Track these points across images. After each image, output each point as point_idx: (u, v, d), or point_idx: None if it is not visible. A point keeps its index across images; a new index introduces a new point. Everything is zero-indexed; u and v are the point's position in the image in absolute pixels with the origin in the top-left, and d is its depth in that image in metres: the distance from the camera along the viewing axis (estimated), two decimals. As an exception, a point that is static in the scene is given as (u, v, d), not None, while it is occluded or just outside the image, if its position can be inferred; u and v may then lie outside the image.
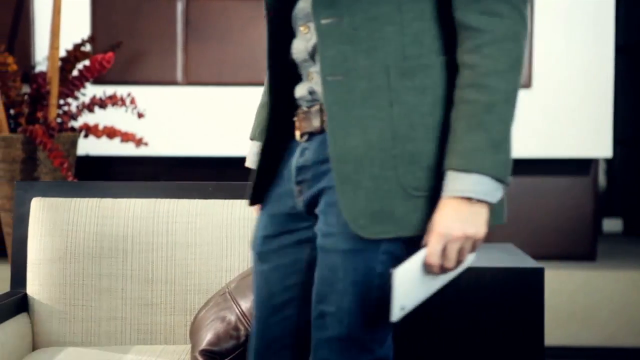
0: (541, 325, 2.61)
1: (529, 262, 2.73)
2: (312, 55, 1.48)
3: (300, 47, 1.50)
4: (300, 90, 1.52)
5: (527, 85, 4.12)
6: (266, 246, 1.55)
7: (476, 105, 1.36)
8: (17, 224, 2.23)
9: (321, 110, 1.48)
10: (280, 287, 1.55)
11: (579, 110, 4.11)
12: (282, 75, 1.53)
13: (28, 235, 2.22)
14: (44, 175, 3.49)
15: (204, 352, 1.88)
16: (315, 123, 1.49)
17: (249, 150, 1.71)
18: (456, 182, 1.36)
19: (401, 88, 1.39)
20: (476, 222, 1.38)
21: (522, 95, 4.10)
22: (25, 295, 2.21)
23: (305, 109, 1.51)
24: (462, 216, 1.36)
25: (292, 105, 1.54)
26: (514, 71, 1.38)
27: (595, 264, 4.24)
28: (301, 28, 1.49)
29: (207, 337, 1.90)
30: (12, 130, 3.55)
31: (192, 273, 2.19)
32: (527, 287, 2.62)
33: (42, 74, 3.67)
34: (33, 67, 4.01)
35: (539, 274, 2.61)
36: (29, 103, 3.59)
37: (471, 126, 1.36)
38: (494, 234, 4.24)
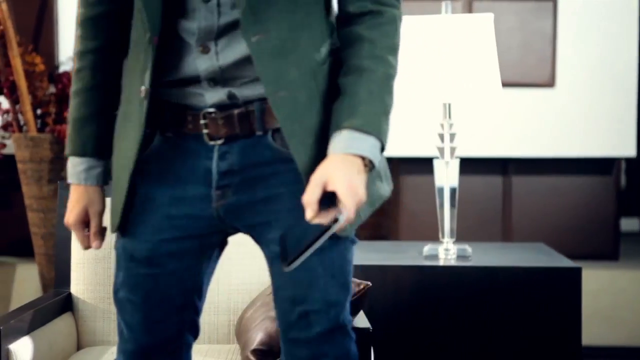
0: (578, 324, 2.61)
1: (564, 262, 2.73)
2: (223, 71, 1.48)
3: (205, 66, 1.48)
4: (213, 96, 1.50)
5: (551, 84, 4.12)
6: (162, 249, 1.52)
7: (376, 75, 1.46)
8: (60, 224, 2.23)
9: (247, 115, 1.48)
10: (180, 290, 1.54)
11: (602, 109, 4.12)
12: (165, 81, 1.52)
13: (71, 235, 2.22)
14: (71, 175, 3.50)
15: (256, 352, 1.88)
16: (242, 128, 1.49)
17: (75, 169, 1.59)
18: (354, 141, 1.42)
19: (328, 91, 1.49)
20: (364, 183, 1.42)
21: (545, 94, 4.11)
22: (70, 294, 2.21)
23: (222, 113, 1.49)
24: (355, 171, 1.41)
25: (179, 108, 1.53)
26: (399, 52, 1.52)
27: (617, 263, 4.24)
28: (200, 48, 1.48)
29: (258, 337, 1.90)
30: (40, 130, 3.56)
31: (236, 273, 2.19)
32: (564, 286, 2.63)
33: (67, 74, 3.67)
34: (57, 67, 4.02)
35: (576, 273, 2.62)
36: (56, 103, 3.60)
37: (372, 93, 1.45)
38: (515, 233, 4.24)
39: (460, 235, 3.76)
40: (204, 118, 1.49)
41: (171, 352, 1.57)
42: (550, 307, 2.63)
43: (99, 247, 1.59)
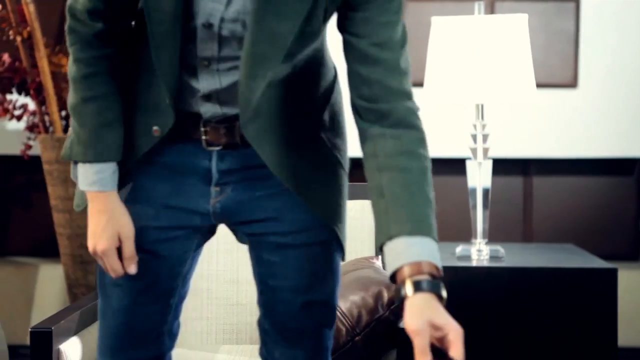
0: (614, 325, 2.61)
1: (599, 263, 2.73)
2: (226, 88, 1.52)
3: (208, 83, 1.52)
4: (208, 109, 1.53)
5: (573, 85, 4.12)
6: (155, 236, 1.56)
7: (412, 173, 1.44)
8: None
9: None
10: (168, 276, 1.58)
11: (624, 110, 4.12)
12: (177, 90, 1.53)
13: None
14: (97, 175, 3.51)
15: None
16: (237, 139, 1.53)
17: (99, 175, 1.54)
18: (414, 247, 1.38)
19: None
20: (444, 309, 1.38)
21: (568, 95, 4.11)
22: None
23: (223, 124, 1.54)
24: (437, 305, 1.36)
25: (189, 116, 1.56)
26: (426, 140, 1.51)
27: (638, 263, 4.24)
28: (204, 62, 1.50)
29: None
30: (65, 131, 3.57)
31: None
32: (599, 287, 2.62)
33: (90, 75, 3.67)
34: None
35: (611, 274, 2.62)
36: (81, 104, 3.60)
37: (414, 193, 1.42)
38: (536, 233, 4.24)
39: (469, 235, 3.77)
40: (204, 126, 1.53)
41: (155, 338, 1.60)
42: (586, 308, 2.63)
43: (136, 270, 1.53)
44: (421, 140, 1.48)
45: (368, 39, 1.45)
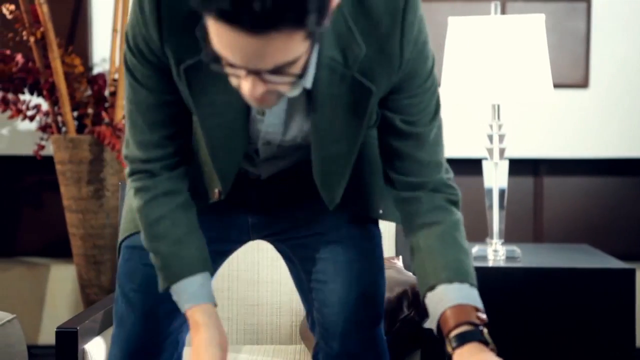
0: (632, 326, 2.61)
1: (615, 263, 2.73)
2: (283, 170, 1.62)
3: (267, 170, 1.61)
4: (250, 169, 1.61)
5: (584, 85, 4.12)
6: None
7: (444, 224, 1.50)
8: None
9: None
10: None
11: (635, 110, 4.12)
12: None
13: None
14: (110, 176, 3.51)
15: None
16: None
17: (186, 294, 1.49)
18: (460, 292, 1.44)
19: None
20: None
21: (579, 95, 4.10)
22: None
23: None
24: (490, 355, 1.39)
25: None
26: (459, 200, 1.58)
27: (651, 264, 4.24)
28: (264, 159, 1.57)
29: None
30: (78, 131, 3.57)
31: (298, 274, 2.19)
32: (617, 288, 2.62)
33: (102, 76, 3.68)
34: (91, 69, 4.02)
35: (629, 274, 2.62)
36: (94, 104, 3.61)
37: (447, 242, 1.48)
38: (546, 234, 4.24)
39: (485, 235, 3.76)
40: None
41: (170, 343, 1.62)
42: (603, 308, 2.63)
43: None
44: (452, 201, 1.51)
45: (401, 115, 1.46)
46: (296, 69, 1.24)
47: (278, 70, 1.21)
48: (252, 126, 1.46)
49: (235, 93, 1.32)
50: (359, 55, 1.36)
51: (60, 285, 3.96)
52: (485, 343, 1.36)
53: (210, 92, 1.40)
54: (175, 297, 1.49)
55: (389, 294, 1.89)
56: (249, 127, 1.46)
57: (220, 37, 1.18)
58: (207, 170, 1.56)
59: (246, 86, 1.24)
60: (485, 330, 1.37)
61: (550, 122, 4.13)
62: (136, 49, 1.41)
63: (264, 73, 1.21)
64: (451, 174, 1.53)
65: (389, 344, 1.63)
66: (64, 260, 4.02)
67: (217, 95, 1.40)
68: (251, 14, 1.12)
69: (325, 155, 1.46)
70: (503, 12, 4.08)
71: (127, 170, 1.55)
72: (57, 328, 1.83)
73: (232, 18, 1.13)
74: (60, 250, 4.11)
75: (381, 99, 1.45)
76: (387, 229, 2.24)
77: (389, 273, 2.00)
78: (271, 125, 1.45)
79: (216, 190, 1.56)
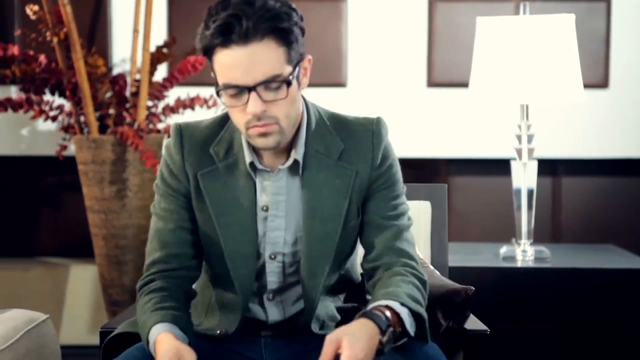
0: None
1: (644, 263, 2.73)
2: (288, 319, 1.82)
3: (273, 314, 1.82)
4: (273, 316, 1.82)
5: (604, 85, 4.12)
6: None
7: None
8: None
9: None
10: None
11: (655, 110, 4.12)
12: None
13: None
14: (132, 176, 3.51)
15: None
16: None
17: (157, 328, 1.70)
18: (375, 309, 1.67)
19: None
20: (371, 349, 1.60)
21: (599, 95, 4.10)
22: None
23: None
24: (366, 336, 1.60)
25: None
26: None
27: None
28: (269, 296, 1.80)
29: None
30: (100, 131, 3.57)
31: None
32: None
33: (122, 76, 3.68)
34: (111, 69, 4.02)
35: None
36: (116, 105, 3.61)
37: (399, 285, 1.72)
38: (564, 234, 4.24)
39: (507, 235, 3.76)
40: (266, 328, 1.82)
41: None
42: (634, 308, 2.63)
43: None
44: (414, 284, 1.68)
45: (380, 213, 1.74)
46: (283, 93, 1.62)
47: (268, 84, 1.61)
48: (259, 227, 1.74)
49: (244, 193, 1.72)
50: (339, 149, 1.73)
51: (80, 286, 3.96)
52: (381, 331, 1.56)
53: (222, 193, 1.73)
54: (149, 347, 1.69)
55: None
56: (257, 227, 1.74)
57: (222, 64, 1.62)
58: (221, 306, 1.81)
59: (249, 107, 1.61)
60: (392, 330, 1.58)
61: (569, 122, 4.13)
62: (161, 182, 1.78)
63: (258, 89, 1.61)
64: (422, 273, 1.73)
65: (441, 345, 1.63)
66: (83, 261, 4.03)
67: (228, 195, 1.73)
68: (238, 31, 1.59)
69: (313, 235, 1.71)
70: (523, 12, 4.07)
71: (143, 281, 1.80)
72: (101, 328, 1.83)
73: (226, 40, 1.60)
74: (79, 250, 4.11)
75: (364, 204, 1.74)
76: (424, 229, 2.24)
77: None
78: (274, 218, 1.73)
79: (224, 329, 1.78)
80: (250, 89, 1.62)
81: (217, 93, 1.66)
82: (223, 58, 1.62)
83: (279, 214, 1.75)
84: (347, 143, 1.75)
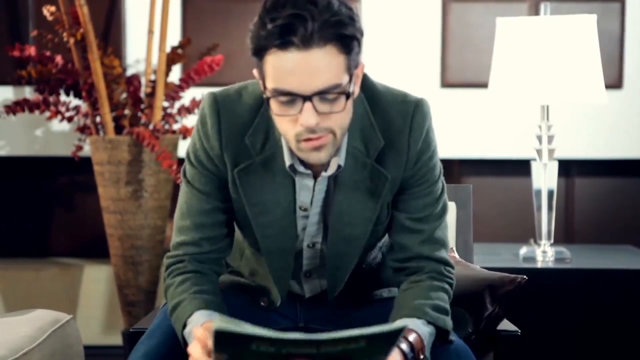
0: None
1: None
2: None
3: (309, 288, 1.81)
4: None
5: (618, 86, 4.12)
6: None
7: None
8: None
9: None
10: None
11: (669, 111, 4.12)
12: None
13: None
14: (148, 177, 3.51)
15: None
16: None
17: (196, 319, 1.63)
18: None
19: None
20: None
21: (613, 95, 4.10)
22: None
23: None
24: None
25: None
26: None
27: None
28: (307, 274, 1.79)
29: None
30: (116, 132, 3.57)
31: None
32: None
33: (137, 77, 3.68)
34: (125, 70, 4.02)
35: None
36: (132, 105, 3.61)
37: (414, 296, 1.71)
38: (578, 234, 4.24)
39: (523, 236, 3.76)
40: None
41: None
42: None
43: None
44: (443, 289, 1.65)
45: (409, 214, 1.67)
46: (340, 105, 1.49)
47: (325, 95, 1.48)
48: (299, 223, 1.68)
49: (282, 192, 1.64)
50: (378, 147, 1.62)
51: (94, 286, 3.96)
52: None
53: (259, 192, 1.64)
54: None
55: (470, 289, 1.88)
56: (297, 224, 1.67)
57: (277, 67, 1.47)
58: (258, 278, 1.78)
59: (303, 118, 1.48)
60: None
61: (582, 122, 4.13)
62: (197, 161, 1.66)
63: (314, 99, 1.47)
64: (449, 273, 1.69)
65: (475, 345, 1.63)
66: (97, 261, 4.03)
67: (266, 195, 1.64)
68: (300, 34, 1.44)
69: (340, 236, 1.66)
70: (536, 12, 4.08)
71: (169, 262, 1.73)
72: (132, 329, 1.83)
73: (286, 42, 1.45)
74: (94, 251, 4.12)
75: (395, 201, 1.67)
76: (451, 228, 2.23)
77: (458, 270, 1.99)
78: (314, 215, 1.67)
79: (265, 299, 1.77)
80: (305, 98, 1.48)
81: (267, 99, 1.52)
82: (279, 61, 1.47)
83: (318, 210, 1.68)
84: (386, 137, 1.63)
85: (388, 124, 1.63)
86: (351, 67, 1.51)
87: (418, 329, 1.57)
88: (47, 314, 2.20)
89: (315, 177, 1.64)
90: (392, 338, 1.37)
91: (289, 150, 1.61)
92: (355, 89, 1.56)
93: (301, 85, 1.48)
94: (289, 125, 1.52)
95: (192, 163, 1.67)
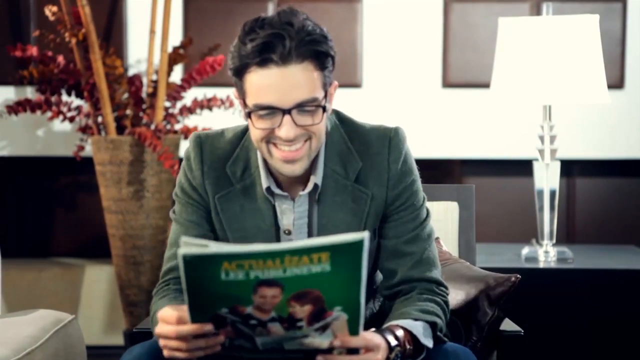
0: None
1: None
2: None
3: None
4: None
5: (620, 86, 4.12)
6: None
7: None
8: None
9: None
10: None
11: (670, 111, 4.12)
12: None
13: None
14: (150, 177, 3.51)
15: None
16: None
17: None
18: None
19: None
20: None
21: (614, 96, 4.10)
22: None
23: None
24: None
25: None
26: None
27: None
28: None
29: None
30: (117, 132, 3.57)
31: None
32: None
33: (138, 77, 3.68)
34: (126, 70, 4.02)
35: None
36: (133, 106, 3.61)
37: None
38: (579, 235, 4.24)
39: (525, 236, 3.76)
40: None
41: None
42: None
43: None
44: (432, 301, 1.67)
45: (397, 238, 1.70)
46: (318, 117, 1.59)
47: (303, 108, 1.57)
48: None
49: (262, 217, 1.68)
50: (357, 168, 1.68)
51: (96, 286, 3.96)
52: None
53: (240, 218, 1.69)
54: None
55: (465, 296, 1.88)
56: None
57: (257, 84, 1.57)
58: None
59: (282, 131, 1.57)
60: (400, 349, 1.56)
61: (583, 122, 4.13)
62: (182, 193, 1.73)
63: (293, 112, 1.57)
64: (442, 292, 1.70)
65: (479, 352, 1.63)
66: (99, 261, 4.03)
67: (246, 221, 1.68)
68: (279, 52, 1.55)
69: None
70: (538, 12, 4.08)
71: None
72: (135, 328, 1.83)
73: (265, 60, 1.56)
74: (95, 251, 4.12)
75: (382, 228, 1.70)
76: (451, 229, 2.24)
77: (455, 267, 1.99)
78: (298, 238, 1.68)
79: None
80: (284, 111, 1.58)
81: (248, 114, 1.61)
82: (259, 78, 1.58)
83: (302, 235, 1.71)
84: (365, 160, 1.70)
85: (366, 147, 1.70)
86: (326, 83, 1.62)
87: (405, 324, 1.59)
88: (49, 314, 2.20)
89: (294, 199, 1.69)
90: (355, 253, 1.35)
91: (266, 173, 1.68)
92: (329, 106, 1.64)
93: (281, 100, 1.57)
94: (264, 134, 1.61)
95: (178, 197, 1.75)
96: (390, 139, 1.70)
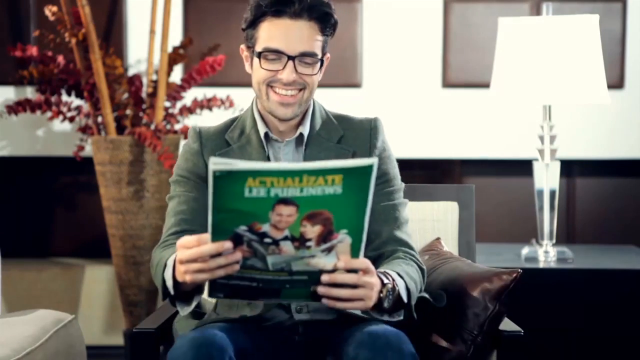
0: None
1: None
2: None
3: None
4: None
5: (619, 85, 4.12)
6: None
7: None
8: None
9: None
10: None
11: (670, 111, 4.12)
12: None
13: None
14: (150, 177, 3.51)
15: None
16: None
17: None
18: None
19: None
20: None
21: (614, 95, 4.10)
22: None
23: None
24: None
25: None
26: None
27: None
28: None
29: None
30: (117, 132, 3.57)
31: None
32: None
33: (138, 77, 3.68)
34: (126, 70, 4.02)
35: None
36: (133, 106, 3.61)
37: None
38: (579, 235, 4.24)
39: (525, 236, 3.76)
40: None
41: None
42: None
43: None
44: (414, 267, 1.80)
45: (380, 202, 1.85)
46: (315, 70, 1.84)
47: (305, 59, 1.82)
48: None
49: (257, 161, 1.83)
50: (339, 134, 1.91)
51: (95, 286, 3.96)
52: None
53: None
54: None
55: (466, 290, 1.88)
56: None
57: (270, 30, 1.82)
58: None
59: (284, 74, 1.81)
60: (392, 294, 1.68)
61: (583, 122, 4.13)
62: (178, 170, 1.90)
63: (296, 60, 1.81)
64: (417, 259, 1.85)
65: (480, 346, 1.63)
66: (98, 261, 4.03)
67: None
68: (293, 8, 1.81)
69: None
70: (538, 12, 4.08)
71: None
72: (135, 329, 1.83)
73: (280, 12, 1.81)
74: (95, 251, 4.12)
75: None
76: (451, 229, 2.24)
77: (457, 264, 2.00)
78: None
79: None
80: (290, 57, 1.81)
81: (258, 55, 1.82)
82: (272, 26, 1.82)
83: None
84: (347, 131, 1.92)
85: (350, 124, 1.94)
86: (324, 47, 1.86)
87: (391, 274, 1.73)
88: (49, 314, 2.20)
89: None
90: (365, 176, 1.47)
91: (263, 122, 1.90)
92: (320, 74, 1.88)
93: (288, 47, 1.82)
94: (268, 75, 1.83)
95: (174, 178, 1.91)
96: (372, 120, 1.94)
